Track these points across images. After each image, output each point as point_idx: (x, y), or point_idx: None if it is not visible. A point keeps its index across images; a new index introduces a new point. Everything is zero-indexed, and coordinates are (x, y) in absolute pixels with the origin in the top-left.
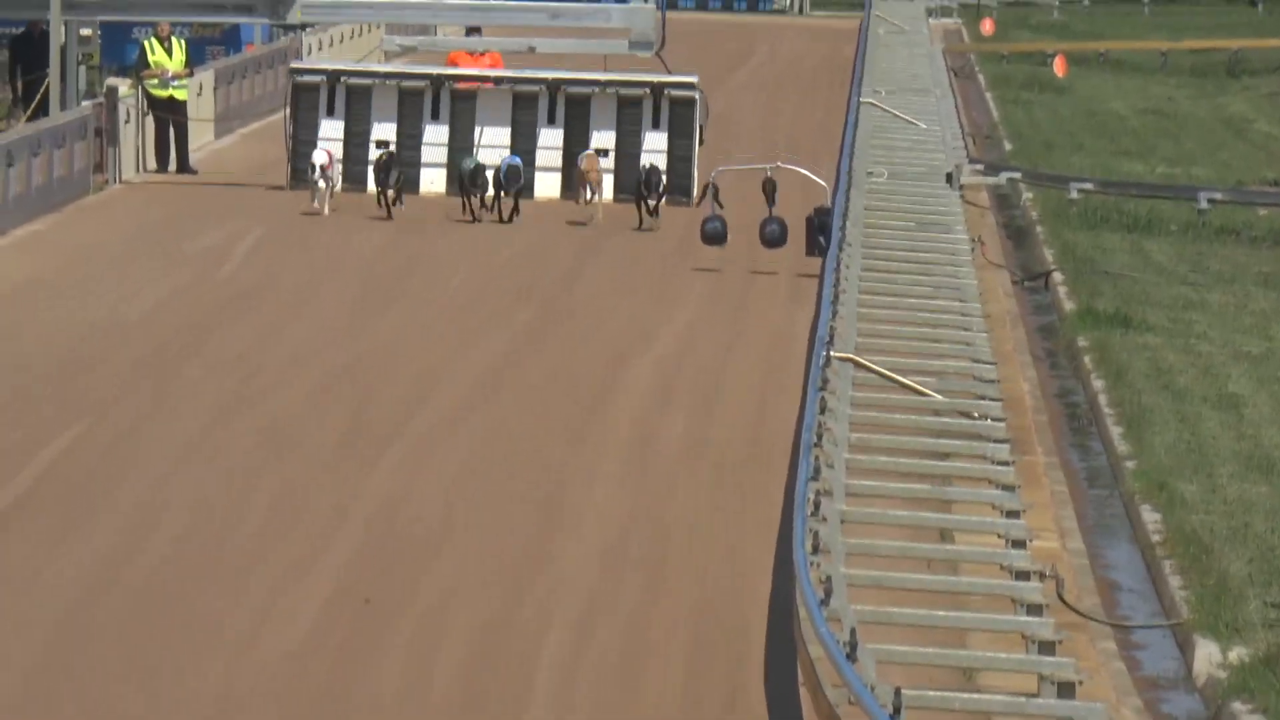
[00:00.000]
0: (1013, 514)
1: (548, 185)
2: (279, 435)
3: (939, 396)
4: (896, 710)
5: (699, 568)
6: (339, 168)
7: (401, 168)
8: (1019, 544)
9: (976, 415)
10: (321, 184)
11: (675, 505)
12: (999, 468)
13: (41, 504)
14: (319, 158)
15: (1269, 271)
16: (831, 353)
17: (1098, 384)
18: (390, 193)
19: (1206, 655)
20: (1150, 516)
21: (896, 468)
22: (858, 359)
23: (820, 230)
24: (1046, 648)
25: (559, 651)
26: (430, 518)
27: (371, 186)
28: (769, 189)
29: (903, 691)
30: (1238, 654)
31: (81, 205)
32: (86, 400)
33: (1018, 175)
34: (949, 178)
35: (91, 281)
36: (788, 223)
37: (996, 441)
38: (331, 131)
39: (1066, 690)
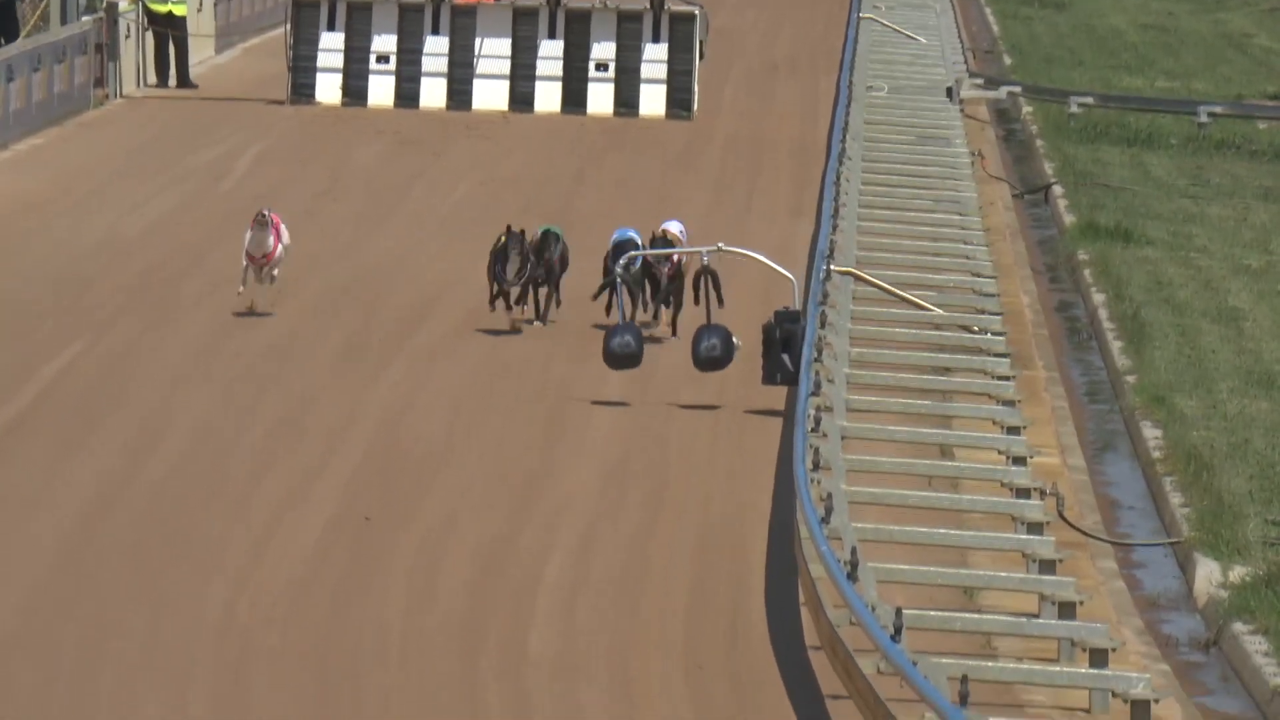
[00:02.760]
0: (1013, 430)
1: (548, 99)
2: (280, 352)
3: (939, 310)
4: (897, 631)
5: (700, 485)
6: (284, 248)
7: (529, 259)
8: (1020, 461)
9: (977, 329)
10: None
11: (676, 423)
12: (999, 383)
13: (42, 422)
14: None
15: (1269, 185)
16: (831, 266)
17: (1098, 298)
18: (515, 293)
19: (1207, 574)
20: (1151, 433)
21: (897, 383)
22: (858, 272)
23: (784, 346)
24: (1047, 566)
25: (561, 571)
26: (432, 436)
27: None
28: (705, 284)
29: (904, 612)
30: (1238, 573)
31: (82, 120)
32: (87, 317)
33: (1018, 89)
34: (949, 92)
35: (92, 197)
36: (733, 334)
37: (997, 356)
38: (332, 45)
39: (1067, 610)
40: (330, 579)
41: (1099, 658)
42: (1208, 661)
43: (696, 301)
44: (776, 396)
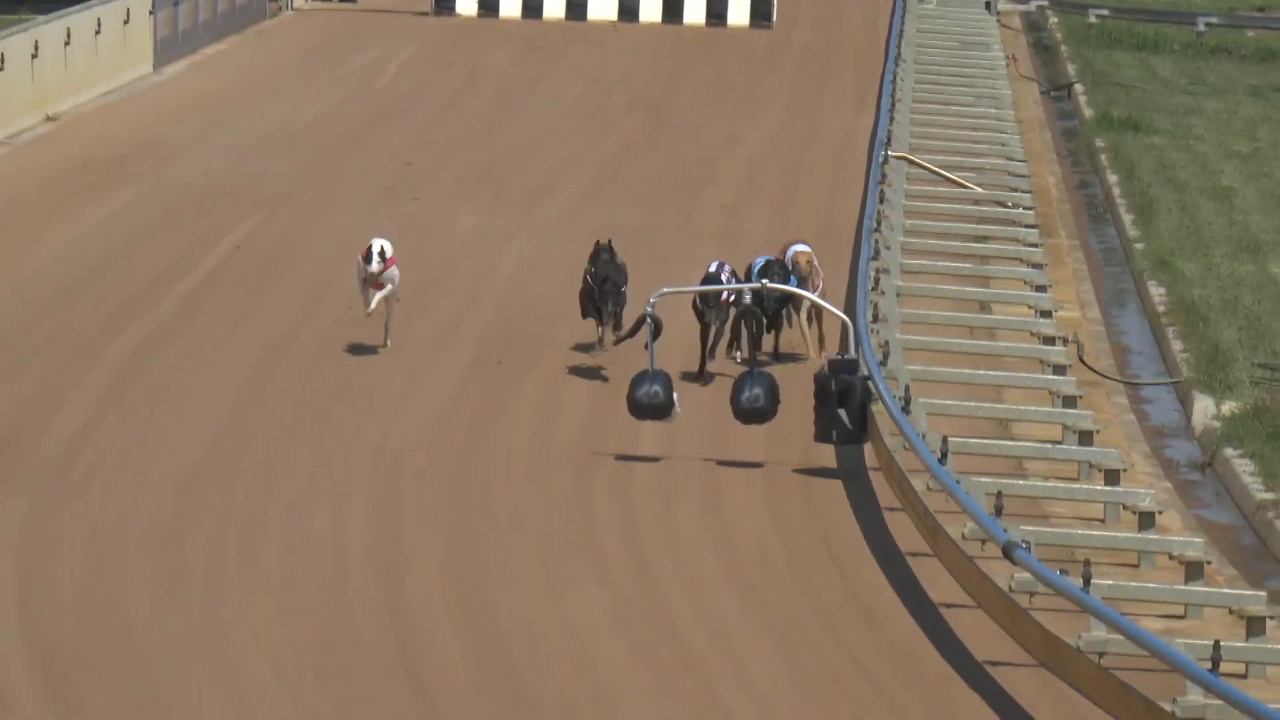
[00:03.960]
0: (1041, 288)
1: (650, 11)
2: (427, 222)
3: (979, 189)
4: (944, 455)
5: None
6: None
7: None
8: (1046, 313)
9: (1010, 204)
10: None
11: None
12: (1029, 249)
13: (227, 281)
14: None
15: (1256, 84)
16: (889, 152)
17: (1112, 178)
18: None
19: (1203, 408)
20: (1156, 290)
21: (943, 249)
22: (911, 157)
23: (841, 399)
24: (1069, 401)
25: None
26: (553, 295)
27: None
28: (750, 325)
29: (949, 439)
30: (1229, 407)
31: (259, 29)
32: (262, 195)
33: (1045, 3)
34: (988, 5)
35: (267, 94)
36: (779, 383)
37: (1027, 227)
38: None
39: (1086, 438)
40: (468, 411)
41: (1112, 477)
42: (1203, 480)
43: (732, 346)
44: (841, 232)
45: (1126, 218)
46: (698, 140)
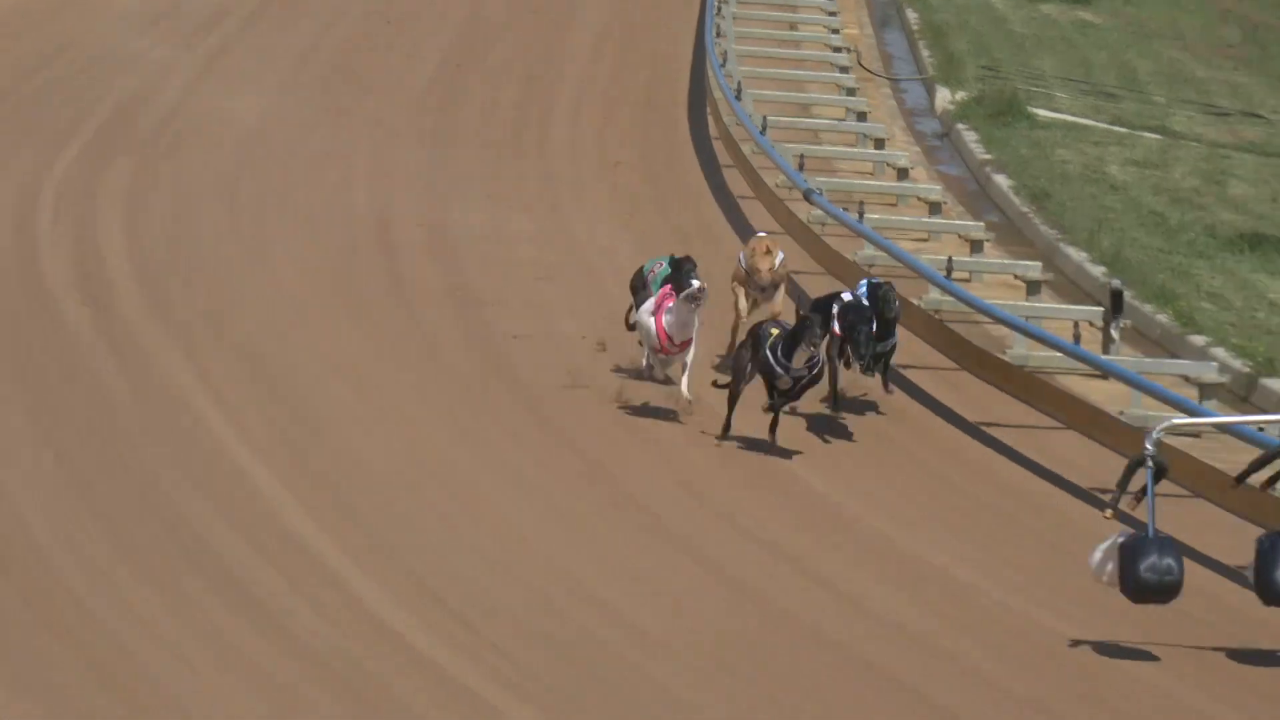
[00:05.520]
0: (831, 14)
1: None
2: None
3: None
4: (764, 128)
5: (651, 47)
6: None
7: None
8: (835, 31)
9: None
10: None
11: (638, 11)
12: None
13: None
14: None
15: None
16: None
17: None
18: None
19: (943, 97)
20: (912, 15)
21: None
22: None
23: None
24: (851, 92)
25: (569, 97)
26: (497, 19)
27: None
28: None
29: (767, 118)
30: (960, 96)
31: None
32: None
33: None
34: None
35: None
36: None
37: None
38: None
39: (862, 117)
40: (439, 94)
41: (879, 143)
42: (942, 146)
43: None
44: None
45: None
46: None
